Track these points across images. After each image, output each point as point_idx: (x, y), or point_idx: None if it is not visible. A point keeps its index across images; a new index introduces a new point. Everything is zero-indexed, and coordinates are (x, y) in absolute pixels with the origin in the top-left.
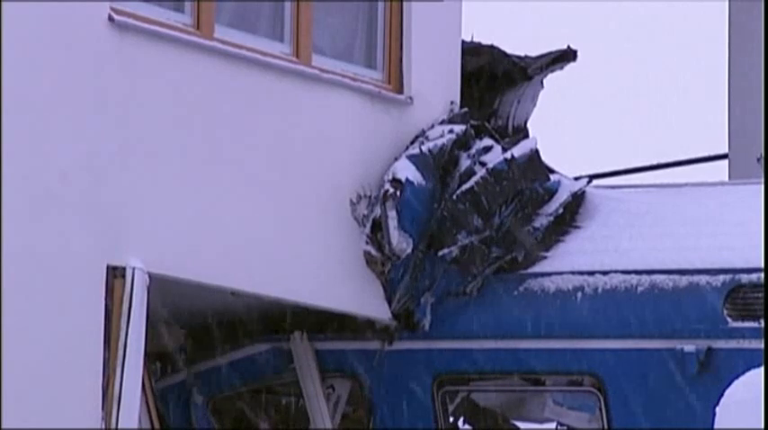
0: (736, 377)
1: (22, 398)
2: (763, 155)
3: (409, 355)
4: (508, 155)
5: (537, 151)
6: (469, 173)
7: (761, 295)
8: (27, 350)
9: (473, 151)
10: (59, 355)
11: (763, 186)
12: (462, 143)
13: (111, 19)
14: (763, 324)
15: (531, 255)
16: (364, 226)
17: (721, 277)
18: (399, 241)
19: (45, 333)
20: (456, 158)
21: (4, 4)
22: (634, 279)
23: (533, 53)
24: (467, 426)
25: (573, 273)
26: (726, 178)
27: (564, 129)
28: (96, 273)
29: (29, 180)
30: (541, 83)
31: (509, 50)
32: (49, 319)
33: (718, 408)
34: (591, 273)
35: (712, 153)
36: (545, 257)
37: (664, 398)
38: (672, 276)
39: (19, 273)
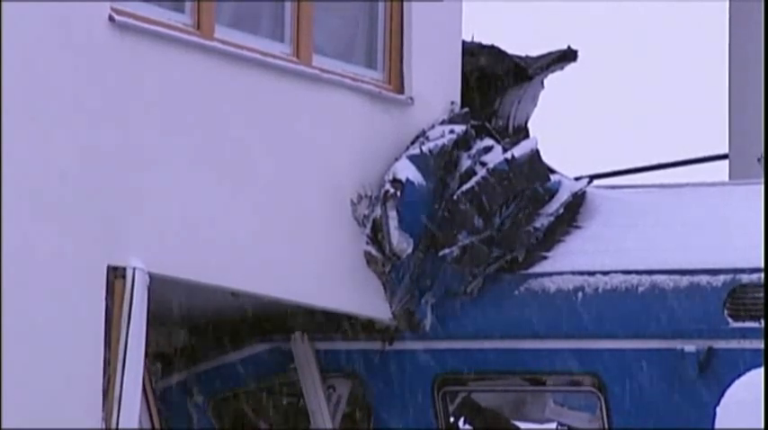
0: (737, 377)
1: (23, 399)
2: (763, 155)
3: (410, 355)
4: (509, 155)
5: (537, 151)
6: (470, 173)
7: (761, 295)
8: (27, 350)
9: (473, 151)
10: (60, 356)
11: (763, 186)
12: (463, 143)
13: (111, 19)
14: (763, 324)
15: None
16: (365, 226)
17: (722, 277)
18: (400, 241)
19: (45, 333)
20: (456, 158)
21: (4, 4)
22: (635, 279)
23: (534, 53)
24: (467, 427)
25: (573, 273)
26: (726, 178)
27: (564, 130)
28: (97, 273)
29: (29, 180)
30: (542, 83)
31: (509, 50)
32: (50, 320)
33: (718, 409)
34: (591, 274)
35: (713, 153)
36: (546, 257)
37: (664, 399)
38: (672, 276)
39: (19, 274)
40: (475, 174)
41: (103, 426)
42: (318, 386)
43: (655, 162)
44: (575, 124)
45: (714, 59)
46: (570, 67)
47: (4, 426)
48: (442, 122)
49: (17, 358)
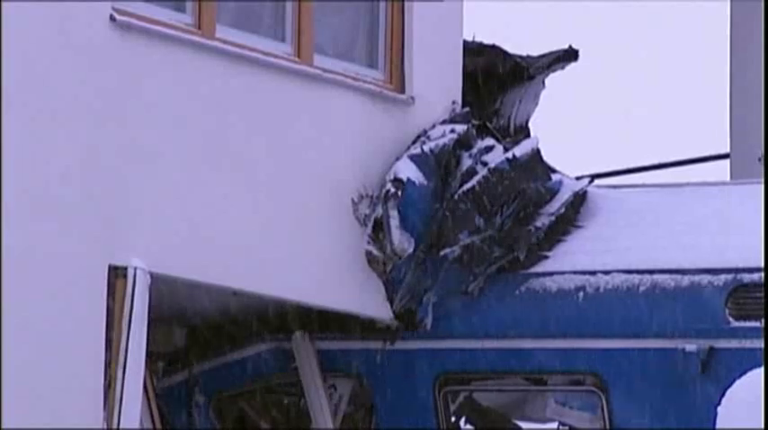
0: (738, 377)
1: (23, 399)
2: (763, 154)
3: (411, 355)
4: (510, 154)
5: (538, 151)
6: (471, 172)
7: (762, 295)
8: (28, 350)
9: (475, 151)
10: (61, 356)
11: (763, 186)
12: (464, 143)
13: (112, 19)
14: (764, 324)
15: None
16: (366, 225)
17: (723, 277)
18: (401, 241)
19: (46, 333)
20: (457, 158)
21: (4, 4)
22: (636, 278)
23: (535, 53)
24: (468, 426)
25: (574, 272)
26: (727, 178)
27: (565, 129)
28: (98, 273)
29: (29, 180)
30: (543, 82)
31: (510, 50)
32: (51, 320)
33: (719, 408)
34: (592, 273)
35: (713, 153)
36: (547, 257)
37: (665, 398)
38: (673, 276)
39: (19, 274)
40: (476, 173)
41: (104, 427)
42: (320, 386)
43: (655, 162)
44: (575, 124)
45: (714, 59)
46: (571, 67)
47: (4, 426)
48: (443, 122)
49: (17, 358)
